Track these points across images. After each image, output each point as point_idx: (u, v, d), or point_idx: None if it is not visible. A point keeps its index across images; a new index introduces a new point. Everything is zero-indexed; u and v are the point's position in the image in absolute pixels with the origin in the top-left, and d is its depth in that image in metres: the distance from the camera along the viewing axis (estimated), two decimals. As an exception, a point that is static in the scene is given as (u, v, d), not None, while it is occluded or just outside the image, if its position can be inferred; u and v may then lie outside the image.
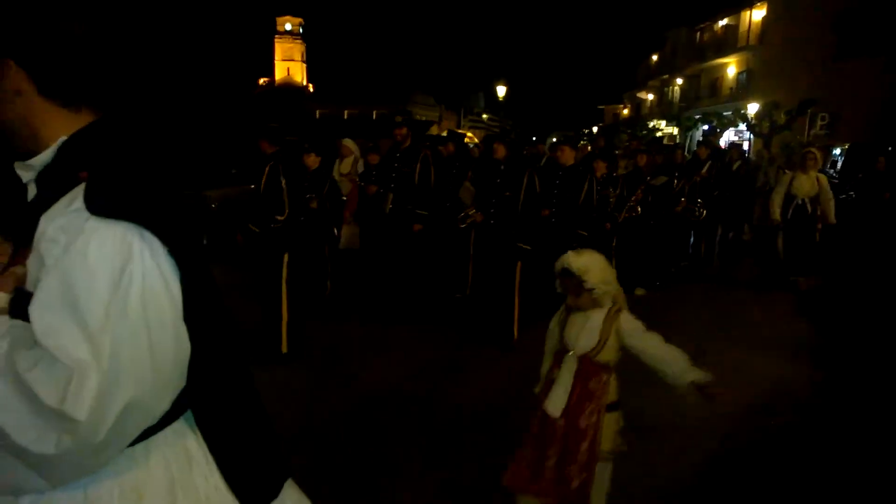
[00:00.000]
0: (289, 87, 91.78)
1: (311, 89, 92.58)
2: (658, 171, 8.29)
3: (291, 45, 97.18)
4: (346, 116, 69.07)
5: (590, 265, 2.68)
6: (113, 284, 1.06)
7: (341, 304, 6.99)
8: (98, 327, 1.04)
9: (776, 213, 8.10)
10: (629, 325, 2.74)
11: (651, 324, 6.57)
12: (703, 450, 3.98)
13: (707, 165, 9.55)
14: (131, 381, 1.07)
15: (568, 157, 6.80)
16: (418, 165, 6.67)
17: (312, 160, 6.84)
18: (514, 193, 5.83)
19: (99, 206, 1.07)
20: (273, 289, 5.13)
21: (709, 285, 8.51)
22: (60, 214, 1.10)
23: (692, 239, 9.68)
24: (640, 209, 7.78)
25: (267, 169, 5.08)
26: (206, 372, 1.23)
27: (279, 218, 5.04)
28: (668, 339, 6.12)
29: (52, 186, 1.16)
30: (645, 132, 34.80)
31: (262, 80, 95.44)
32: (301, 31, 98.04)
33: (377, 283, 7.00)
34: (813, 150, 8.33)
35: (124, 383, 1.06)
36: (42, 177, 1.20)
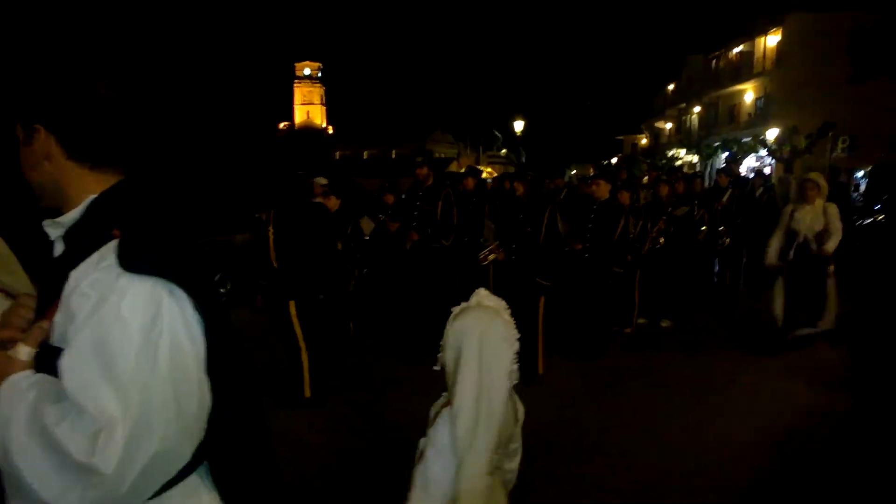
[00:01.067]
0: (309, 130, 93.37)
1: (331, 131, 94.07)
2: (679, 202, 8.24)
3: (311, 89, 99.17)
4: (365, 157, 69.99)
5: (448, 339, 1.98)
6: (144, 339, 1.10)
7: (365, 343, 6.97)
8: (128, 381, 1.07)
9: (772, 256, 6.64)
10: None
11: (680, 354, 6.48)
12: (741, 475, 3.94)
13: (728, 193, 9.45)
14: (158, 433, 1.10)
15: (603, 191, 6.78)
16: (440, 203, 6.91)
17: (333, 202, 6.87)
18: (535, 229, 5.86)
19: (131, 263, 1.13)
20: (288, 336, 5.10)
21: (737, 314, 8.35)
22: (92, 270, 1.14)
23: (717, 267, 9.57)
24: (662, 240, 7.71)
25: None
26: (224, 425, 1.25)
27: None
28: (699, 368, 6.07)
29: (82, 243, 1.20)
30: (664, 161, 34.72)
31: (282, 125, 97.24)
32: (320, 75, 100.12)
33: (400, 320, 7.03)
34: (812, 176, 6.79)
35: (151, 436, 1.09)
36: (70, 234, 1.24)
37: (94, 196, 1.25)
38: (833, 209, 6.46)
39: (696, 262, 8.41)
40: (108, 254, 1.14)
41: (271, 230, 5.09)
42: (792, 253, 6.47)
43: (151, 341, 1.11)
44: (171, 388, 1.12)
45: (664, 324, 7.70)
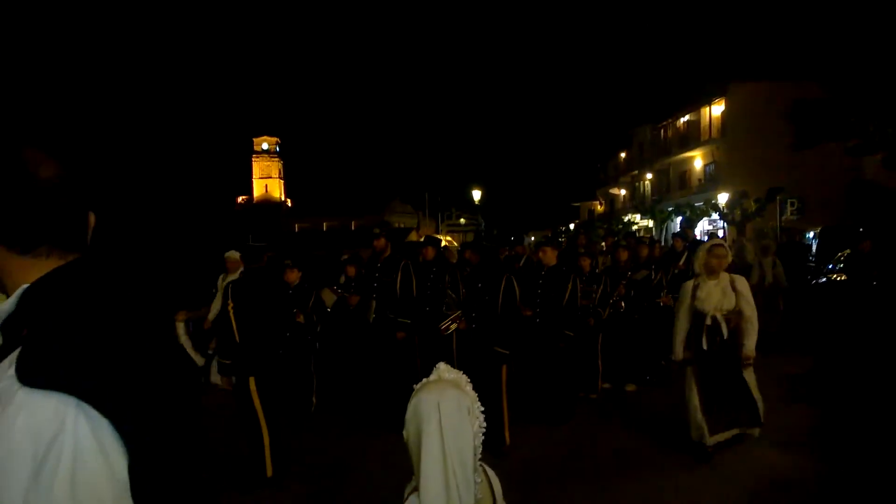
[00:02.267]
0: (267, 203, 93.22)
1: (290, 204, 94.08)
2: (637, 266, 8.28)
3: (269, 163, 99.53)
4: (325, 229, 69.83)
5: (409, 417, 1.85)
6: (35, 466, 0.92)
7: (327, 418, 6.77)
8: None
9: (678, 347, 5.49)
10: None
11: (646, 418, 6.40)
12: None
13: (684, 257, 9.55)
14: None
15: (550, 257, 6.78)
16: (399, 275, 6.74)
17: (294, 275, 6.97)
18: (492, 298, 5.78)
19: (28, 376, 0.96)
20: (248, 413, 4.92)
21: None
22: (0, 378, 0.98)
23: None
24: (623, 304, 7.71)
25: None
26: None
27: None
28: (664, 432, 5.95)
29: (11, 341, 1.05)
30: (621, 226, 35.35)
31: (240, 198, 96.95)
32: (278, 149, 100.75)
33: (362, 393, 6.87)
34: (718, 242, 5.58)
35: None
36: (5, 327, 1.08)
37: (26, 285, 1.08)
38: (743, 283, 5.30)
39: (657, 326, 8.31)
40: (13, 362, 0.98)
41: (231, 304, 4.94)
42: (704, 341, 5.21)
43: (46, 469, 0.92)
44: None
45: (629, 388, 7.64)
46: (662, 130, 39.80)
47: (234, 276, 7.62)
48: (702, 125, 34.42)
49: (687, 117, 36.23)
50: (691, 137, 35.37)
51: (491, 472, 1.96)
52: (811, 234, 19.85)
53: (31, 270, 1.09)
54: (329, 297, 7.81)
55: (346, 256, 8.30)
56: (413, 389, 1.90)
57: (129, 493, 1.00)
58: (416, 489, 1.83)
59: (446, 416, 1.77)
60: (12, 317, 1.07)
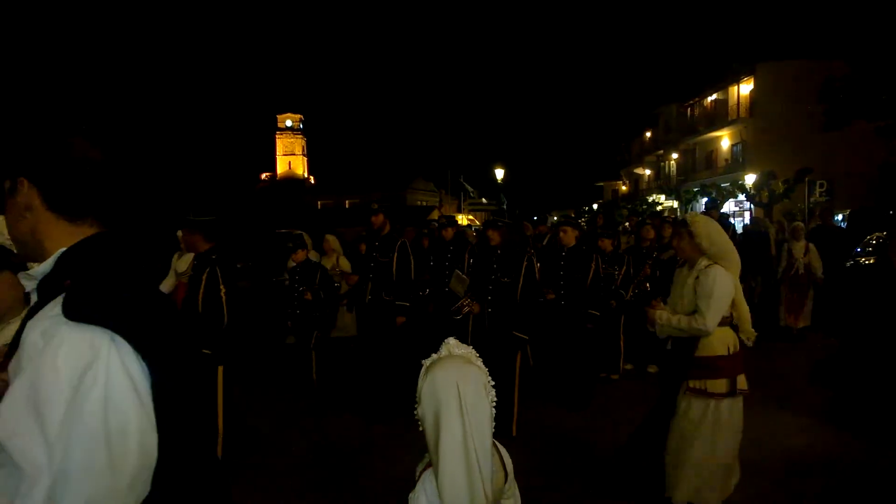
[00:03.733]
0: (290, 180, 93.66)
1: (313, 181, 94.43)
2: (664, 246, 8.18)
3: (292, 139, 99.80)
4: (347, 206, 70.07)
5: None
6: (73, 387, 1.08)
7: (331, 398, 6.60)
8: (55, 430, 1.06)
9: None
10: None
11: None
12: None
13: None
14: (85, 485, 1.07)
15: (570, 237, 6.61)
16: (395, 254, 6.34)
17: (300, 255, 6.94)
18: (512, 280, 5.59)
19: (73, 312, 1.14)
20: (209, 401, 4.46)
21: None
22: (42, 320, 1.16)
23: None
24: (648, 285, 7.61)
25: (204, 276, 4.58)
26: (175, 482, 1.22)
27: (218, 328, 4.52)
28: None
29: (48, 295, 1.22)
30: (645, 207, 35.02)
31: (264, 175, 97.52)
32: (301, 126, 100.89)
33: (368, 376, 6.52)
34: (689, 218, 5.42)
35: (76, 487, 1.07)
36: (42, 286, 1.27)
37: (64, 249, 1.28)
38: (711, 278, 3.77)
39: None
40: (58, 303, 1.16)
41: (223, 288, 4.60)
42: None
43: (82, 390, 1.09)
44: (103, 438, 1.10)
45: (651, 369, 7.58)
46: (689, 109, 39.16)
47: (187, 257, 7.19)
48: (729, 104, 33.81)
49: (714, 96, 35.60)
50: (719, 116, 34.79)
51: (501, 448, 1.95)
52: (840, 217, 19.54)
53: (71, 236, 1.30)
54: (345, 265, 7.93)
55: (364, 233, 8.29)
56: (422, 365, 1.90)
57: (152, 420, 1.17)
58: (429, 466, 1.83)
59: (467, 396, 1.76)
60: (48, 277, 1.26)
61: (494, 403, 1.85)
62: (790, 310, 9.50)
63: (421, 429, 1.82)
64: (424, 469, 1.88)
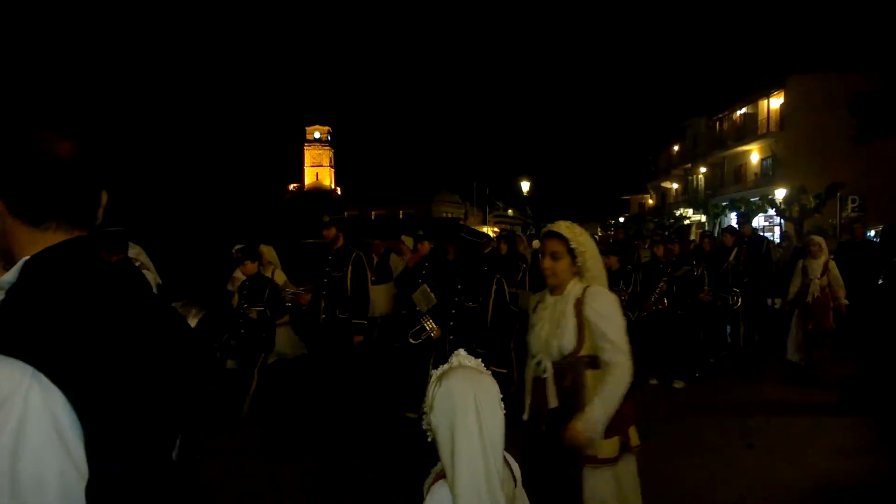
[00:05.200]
0: (318, 191, 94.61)
1: (340, 192, 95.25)
2: (679, 261, 8.10)
3: (320, 151, 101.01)
4: (373, 217, 70.48)
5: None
6: None
7: (262, 430, 5.73)
8: None
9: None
10: None
11: (695, 416, 6.10)
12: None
13: (734, 253, 9.22)
14: None
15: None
16: (349, 268, 5.84)
17: (250, 267, 6.26)
18: (480, 303, 4.99)
19: None
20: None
21: (751, 375, 8.04)
22: None
23: (730, 328, 9.29)
24: (666, 301, 7.44)
25: None
26: None
27: None
28: (714, 430, 5.72)
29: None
30: (672, 220, 34.69)
31: (292, 186, 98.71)
32: (329, 138, 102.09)
33: (314, 402, 5.91)
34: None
35: None
36: (9, 297, 1.12)
37: (27, 257, 1.13)
38: (601, 302, 2.93)
39: (704, 322, 8.17)
40: None
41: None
42: (526, 408, 3.13)
43: None
44: (7, 483, 0.95)
45: (677, 384, 7.43)
46: (718, 123, 38.78)
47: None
48: (759, 118, 33.42)
49: (744, 109, 35.23)
50: (748, 130, 34.39)
51: (510, 457, 1.93)
52: (872, 233, 19.15)
53: (37, 242, 1.15)
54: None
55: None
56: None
57: (83, 467, 1.01)
58: (439, 477, 1.82)
59: (484, 409, 1.75)
60: (14, 287, 1.12)
61: (504, 414, 1.83)
62: (805, 343, 7.62)
63: (430, 439, 1.81)
64: (435, 481, 1.84)
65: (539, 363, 2.88)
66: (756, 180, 33.29)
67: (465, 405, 1.75)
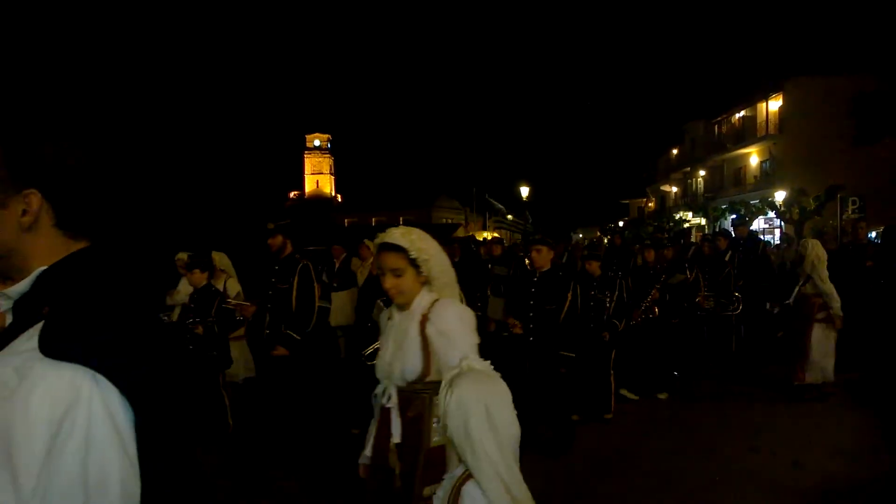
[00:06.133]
0: (318, 198, 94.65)
1: (340, 199, 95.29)
2: (671, 267, 7.72)
3: (320, 159, 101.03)
4: (373, 223, 70.48)
5: None
6: (51, 435, 0.96)
7: (248, 443, 5.58)
8: (31, 483, 0.94)
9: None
10: None
11: (696, 417, 6.01)
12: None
13: (728, 255, 9.09)
14: None
15: (544, 259, 5.56)
16: (296, 279, 5.49)
17: (198, 277, 5.83)
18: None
19: (51, 347, 1.00)
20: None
21: (751, 377, 7.94)
22: (16, 355, 1.03)
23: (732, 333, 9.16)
24: (657, 309, 7.10)
25: None
26: None
27: None
28: (715, 431, 5.69)
29: (23, 319, 1.09)
30: (671, 224, 34.68)
31: (292, 194, 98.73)
32: (329, 145, 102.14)
33: (270, 417, 5.56)
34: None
35: None
36: (17, 308, 1.14)
37: (44, 267, 1.12)
38: (446, 319, 2.63)
39: (694, 330, 7.96)
40: (34, 335, 1.03)
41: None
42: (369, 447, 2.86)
43: (59, 440, 0.96)
44: (82, 495, 0.98)
45: (661, 396, 7.17)
46: (716, 126, 38.81)
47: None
48: (758, 121, 33.43)
49: (743, 112, 35.25)
50: (747, 133, 34.40)
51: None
52: (873, 234, 19.13)
53: (42, 251, 1.13)
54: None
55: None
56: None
57: (136, 466, 1.04)
58: (466, 479, 1.84)
59: (497, 415, 1.79)
60: (25, 297, 1.13)
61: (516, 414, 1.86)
62: (792, 356, 6.96)
63: (440, 443, 1.88)
64: (463, 482, 1.86)
65: (384, 390, 2.50)
66: (755, 183, 33.29)
67: (478, 408, 1.78)
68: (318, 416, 5.68)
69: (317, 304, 5.53)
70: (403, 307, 2.52)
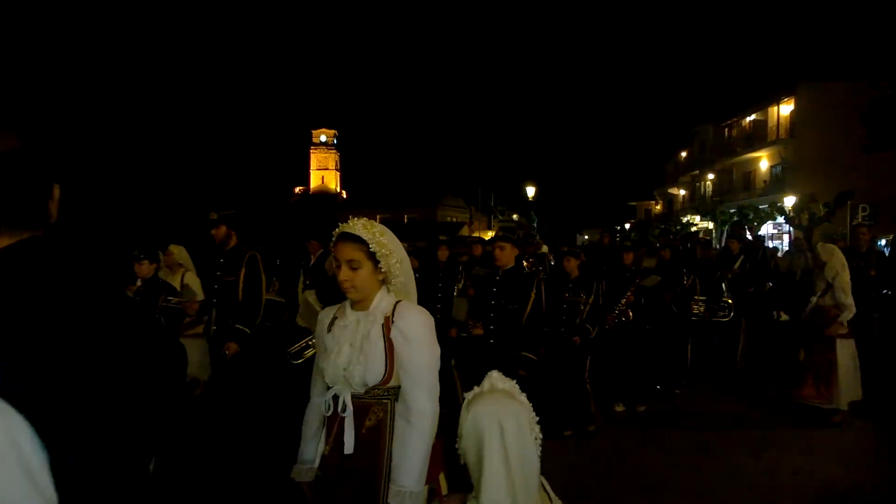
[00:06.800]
0: (323, 194, 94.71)
1: (345, 196, 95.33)
2: (648, 270, 7.24)
3: (326, 154, 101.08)
4: (378, 220, 70.33)
5: None
6: None
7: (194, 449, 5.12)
8: None
9: None
10: None
11: (698, 423, 5.94)
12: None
13: (739, 261, 8.71)
14: None
15: (507, 257, 5.11)
16: (243, 271, 5.20)
17: (146, 268, 5.59)
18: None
19: None
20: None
21: (754, 383, 7.70)
22: None
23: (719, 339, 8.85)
24: (631, 314, 6.56)
25: None
26: None
27: None
28: (718, 437, 5.54)
29: None
30: (679, 227, 34.47)
31: (298, 189, 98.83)
32: (335, 141, 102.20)
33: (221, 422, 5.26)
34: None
35: None
36: None
37: None
38: (412, 324, 2.49)
39: (672, 337, 7.44)
40: None
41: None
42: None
43: None
44: None
45: (640, 408, 6.64)
46: (727, 129, 38.59)
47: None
48: (769, 125, 33.24)
49: (753, 116, 35.05)
50: (757, 137, 34.20)
51: (549, 489, 1.91)
52: (883, 242, 18.92)
53: None
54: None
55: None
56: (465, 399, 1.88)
57: (51, 495, 0.95)
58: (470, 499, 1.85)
59: (509, 435, 1.76)
60: None
61: (540, 439, 1.84)
62: (815, 379, 6.11)
63: (463, 462, 1.84)
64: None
65: (336, 396, 2.28)
66: (765, 188, 33.08)
67: (491, 431, 1.77)
68: (274, 415, 5.29)
69: (264, 296, 5.21)
70: (357, 306, 2.33)
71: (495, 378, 1.89)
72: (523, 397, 1.89)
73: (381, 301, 2.30)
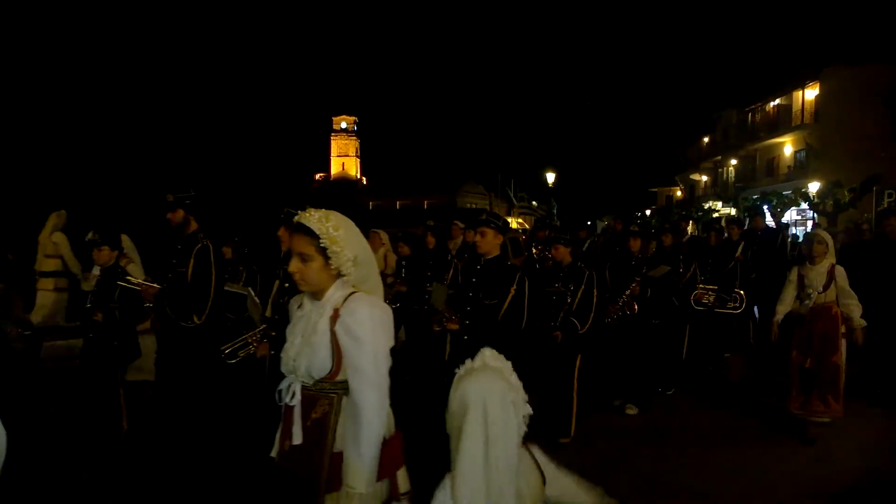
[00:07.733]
0: (343, 181, 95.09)
1: (365, 182, 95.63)
2: (658, 259, 6.76)
3: (346, 141, 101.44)
4: (398, 207, 70.62)
5: None
6: None
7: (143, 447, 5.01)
8: None
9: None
10: None
11: (715, 412, 6.03)
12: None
13: (740, 248, 8.55)
14: None
15: (489, 244, 4.52)
16: (192, 261, 4.78)
17: (106, 255, 5.32)
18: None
19: None
20: None
21: (770, 370, 7.49)
22: None
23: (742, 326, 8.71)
24: (637, 306, 6.06)
25: None
26: None
27: None
28: (735, 426, 5.69)
29: None
30: (701, 213, 34.14)
31: (318, 175, 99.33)
32: (355, 128, 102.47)
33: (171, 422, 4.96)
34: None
35: None
36: None
37: None
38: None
39: (677, 330, 7.12)
40: None
41: None
42: None
43: None
44: None
45: (630, 411, 6.16)
46: (750, 114, 37.97)
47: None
48: (793, 110, 32.64)
49: (777, 101, 34.43)
50: (781, 122, 33.62)
51: (539, 454, 1.95)
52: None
53: None
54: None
55: (399, 234, 7.62)
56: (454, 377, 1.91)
57: None
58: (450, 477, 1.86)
59: (491, 409, 1.78)
60: None
61: (528, 418, 1.87)
62: (801, 386, 5.51)
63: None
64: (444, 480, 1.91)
65: (289, 386, 2.28)
66: (789, 173, 32.58)
67: (474, 409, 1.79)
68: (222, 413, 5.13)
69: (213, 289, 4.80)
70: (316, 297, 2.29)
71: (488, 355, 1.91)
72: (514, 378, 1.89)
73: (335, 293, 2.25)
